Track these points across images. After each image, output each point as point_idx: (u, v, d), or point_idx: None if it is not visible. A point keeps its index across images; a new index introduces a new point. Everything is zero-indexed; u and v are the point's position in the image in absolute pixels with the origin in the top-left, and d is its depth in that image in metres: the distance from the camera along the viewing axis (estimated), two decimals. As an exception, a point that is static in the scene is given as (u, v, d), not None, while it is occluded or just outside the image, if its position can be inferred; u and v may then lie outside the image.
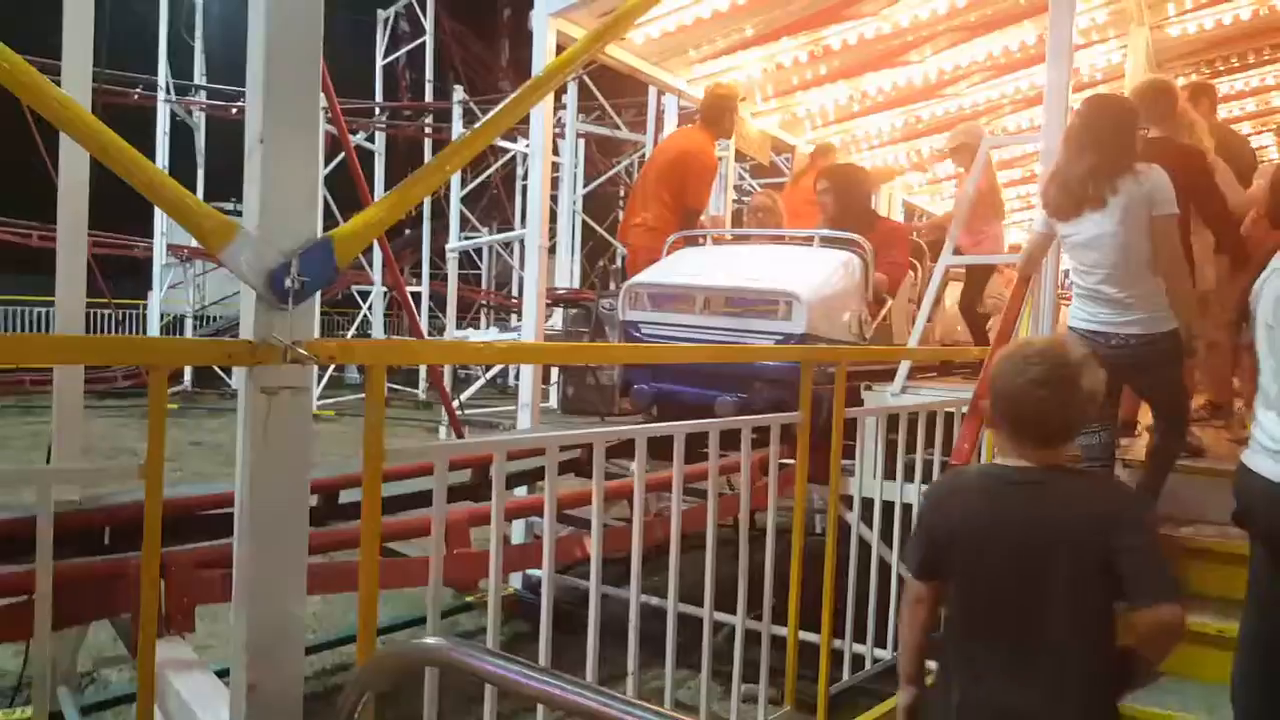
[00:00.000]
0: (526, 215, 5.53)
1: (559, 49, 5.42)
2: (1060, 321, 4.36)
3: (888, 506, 3.57)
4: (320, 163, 1.65)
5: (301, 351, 1.52)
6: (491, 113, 1.98)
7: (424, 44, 16.83)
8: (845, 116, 7.53)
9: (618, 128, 16.27)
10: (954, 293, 6.09)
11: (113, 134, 1.41)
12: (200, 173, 16.18)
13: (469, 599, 4.68)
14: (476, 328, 16.92)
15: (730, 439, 2.80)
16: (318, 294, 1.57)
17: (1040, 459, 1.80)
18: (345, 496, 3.25)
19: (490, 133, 2.01)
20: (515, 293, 17.78)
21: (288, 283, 1.52)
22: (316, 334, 1.58)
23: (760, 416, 2.78)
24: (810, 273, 4.32)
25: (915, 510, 2.14)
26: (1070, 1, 4.01)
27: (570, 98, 12.62)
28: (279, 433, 1.54)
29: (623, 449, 4.63)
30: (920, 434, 3.54)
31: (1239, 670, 2.49)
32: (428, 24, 16.68)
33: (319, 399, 13.36)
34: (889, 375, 4.20)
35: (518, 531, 4.12)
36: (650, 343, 4.49)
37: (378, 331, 15.60)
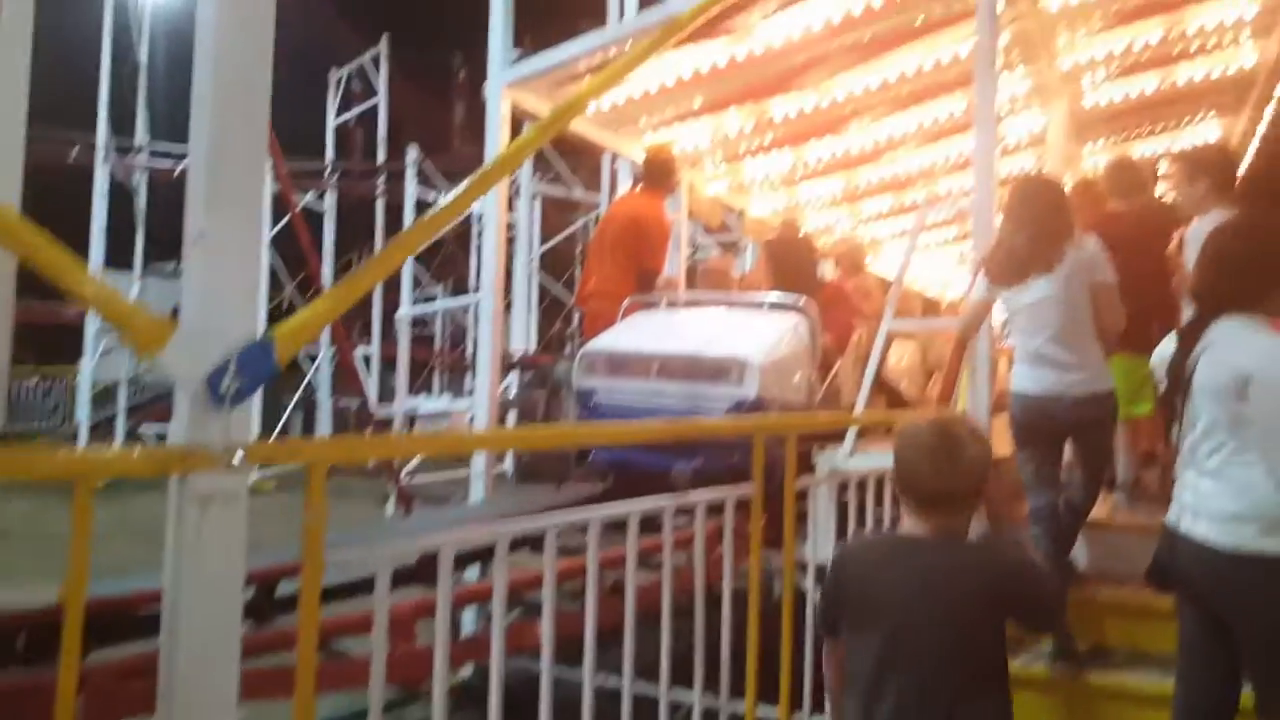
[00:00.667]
0: (481, 278, 5.51)
1: (514, 118, 5.50)
2: (1001, 375, 4.49)
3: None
4: (265, 256, 1.62)
5: (237, 459, 1.48)
6: (444, 200, 1.98)
7: (376, 104, 16.91)
8: (789, 182, 7.73)
9: (572, 188, 16.42)
10: (899, 350, 6.22)
11: (38, 236, 1.36)
12: (140, 235, 15.83)
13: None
14: (429, 391, 16.72)
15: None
16: (256, 394, 1.54)
17: (933, 526, 1.89)
18: (286, 582, 3.14)
19: (445, 219, 2.00)
20: (470, 351, 17.68)
21: (224, 385, 1.49)
22: (255, 435, 1.54)
23: (714, 490, 2.78)
24: (760, 338, 4.38)
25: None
26: (993, 76, 4.21)
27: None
28: (212, 545, 1.48)
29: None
30: (869, 497, 3.55)
31: None
32: (380, 85, 16.79)
33: (258, 470, 13.01)
34: (841, 436, 4.24)
35: (468, 619, 4.04)
36: (606, 409, 4.51)
37: (324, 397, 15.34)
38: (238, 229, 1.56)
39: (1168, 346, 2.61)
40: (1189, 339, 2.49)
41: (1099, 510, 3.81)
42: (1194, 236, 3.49)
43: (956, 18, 5.04)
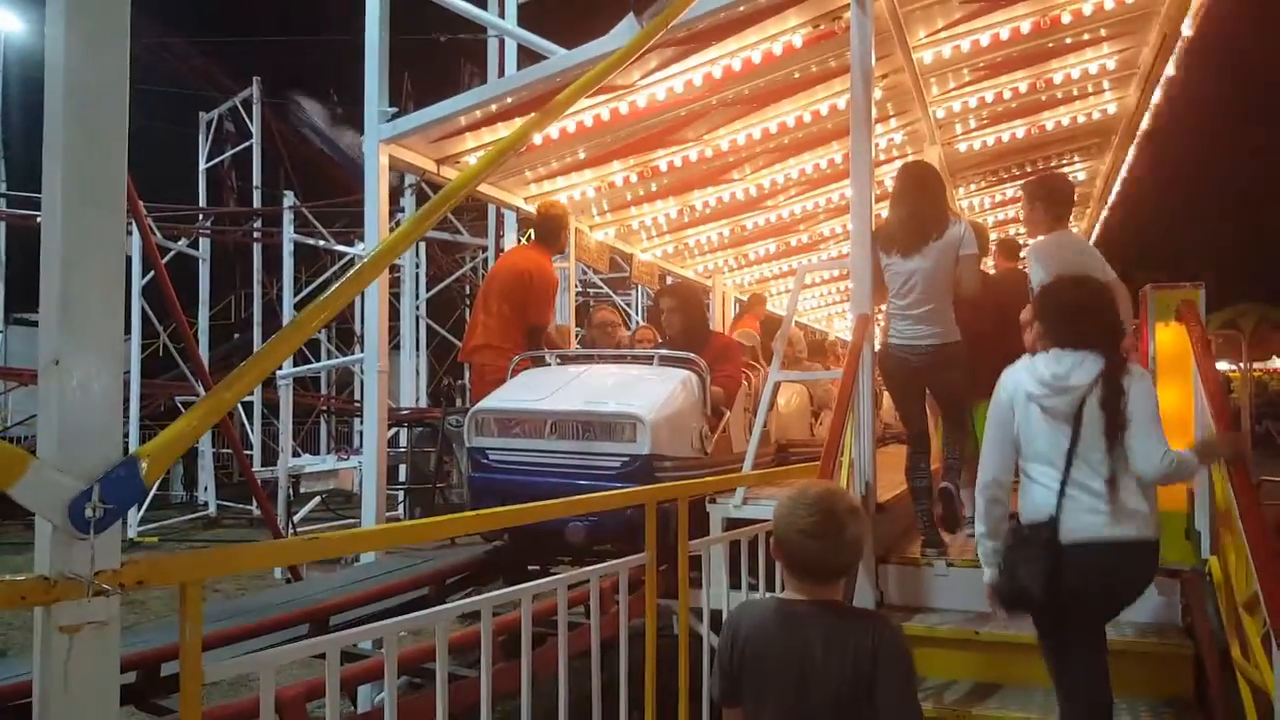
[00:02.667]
0: (365, 338, 5.38)
1: (392, 174, 5.43)
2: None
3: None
4: (120, 373, 1.53)
5: (105, 586, 1.41)
6: (322, 297, 1.94)
7: (250, 147, 16.37)
8: (676, 227, 7.87)
9: (459, 231, 16.27)
10: (786, 392, 6.39)
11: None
12: (-1, 284, 14.91)
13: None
14: (314, 439, 16.14)
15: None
16: (121, 519, 1.47)
17: (813, 594, 1.96)
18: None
19: (328, 311, 1.96)
20: (357, 396, 17.20)
21: (88, 511, 1.42)
22: (119, 561, 1.47)
23: (609, 564, 2.79)
24: (652, 393, 4.42)
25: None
26: (868, 130, 4.37)
27: (408, 203, 12.55)
28: (81, 675, 1.40)
29: (473, 576, 4.56)
30: (761, 548, 3.61)
31: None
32: (254, 127, 16.28)
33: (139, 524, 12.30)
34: (733, 487, 4.32)
35: (364, 696, 3.91)
36: (498, 467, 4.47)
37: (205, 446, 14.62)
38: (94, 353, 1.47)
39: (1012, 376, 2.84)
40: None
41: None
42: (1030, 252, 4.14)
43: (832, 73, 5.29)
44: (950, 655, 3.65)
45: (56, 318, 1.44)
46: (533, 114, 2.79)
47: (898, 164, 7.17)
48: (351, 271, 1.88)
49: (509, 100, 5.02)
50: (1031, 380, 2.74)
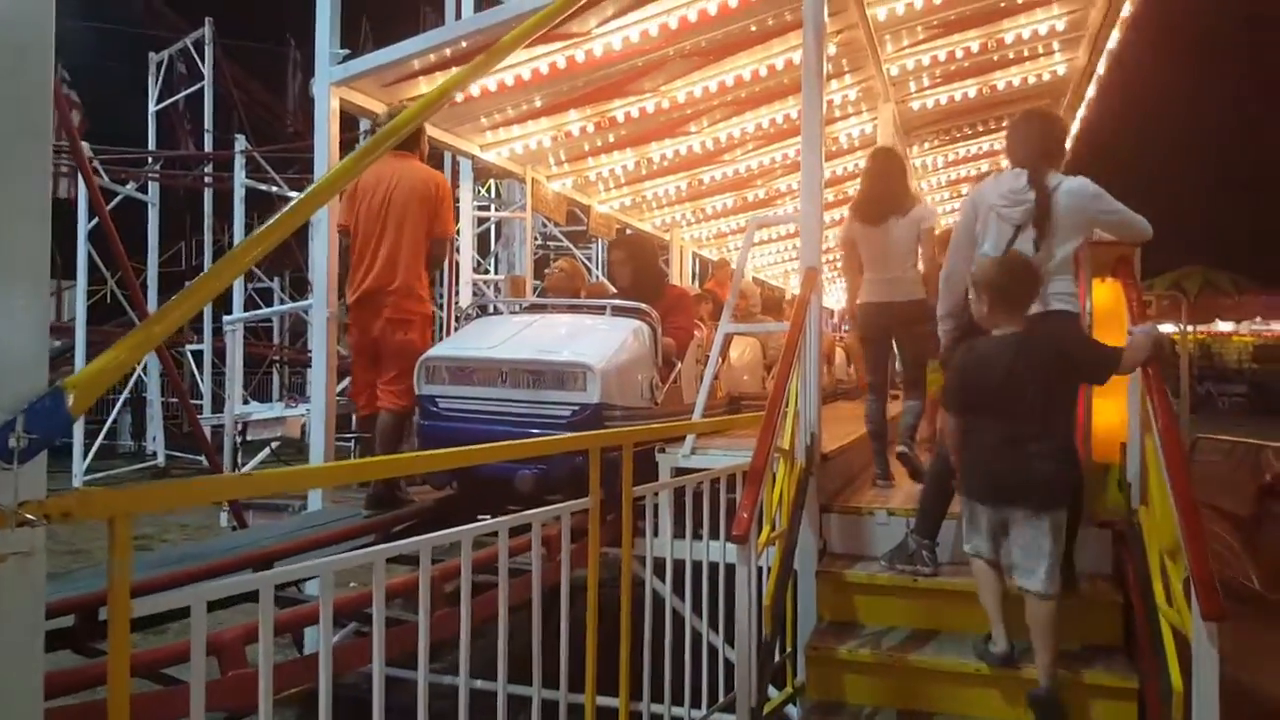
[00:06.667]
0: (314, 284, 5.29)
1: (342, 115, 5.31)
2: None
3: (695, 567, 3.65)
4: (47, 302, 1.51)
5: (29, 516, 1.40)
6: (257, 230, 1.91)
7: (203, 90, 15.88)
8: (634, 180, 7.84)
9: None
10: (739, 345, 6.44)
11: None
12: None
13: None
14: (266, 390, 15.93)
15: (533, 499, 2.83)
16: (45, 450, 1.46)
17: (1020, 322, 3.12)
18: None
19: (254, 250, 1.93)
20: (311, 347, 16.96)
21: (12, 441, 1.40)
22: (45, 492, 1.46)
23: (550, 509, 2.82)
24: (602, 343, 4.43)
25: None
26: (820, 86, 4.34)
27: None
28: (6, 605, 1.40)
29: (421, 525, 4.56)
30: (706, 499, 3.64)
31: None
32: (206, 69, 15.78)
33: (85, 474, 12.11)
34: (682, 436, 4.37)
35: (309, 637, 3.92)
36: (448, 415, 4.47)
37: (153, 395, 14.38)
38: (17, 283, 1.46)
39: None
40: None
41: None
42: None
43: (788, 27, 5.26)
44: (889, 602, 3.75)
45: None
46: (483, 54, 2.74)
47: (853, 120, 7.25)
48: (289, 205, 1.86)
49: (463, 45, 4.93)
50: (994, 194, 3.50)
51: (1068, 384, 3.20)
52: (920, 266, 4.55)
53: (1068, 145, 3.71)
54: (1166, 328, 13.88)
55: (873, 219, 4.54)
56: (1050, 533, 3.03)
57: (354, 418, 4.95)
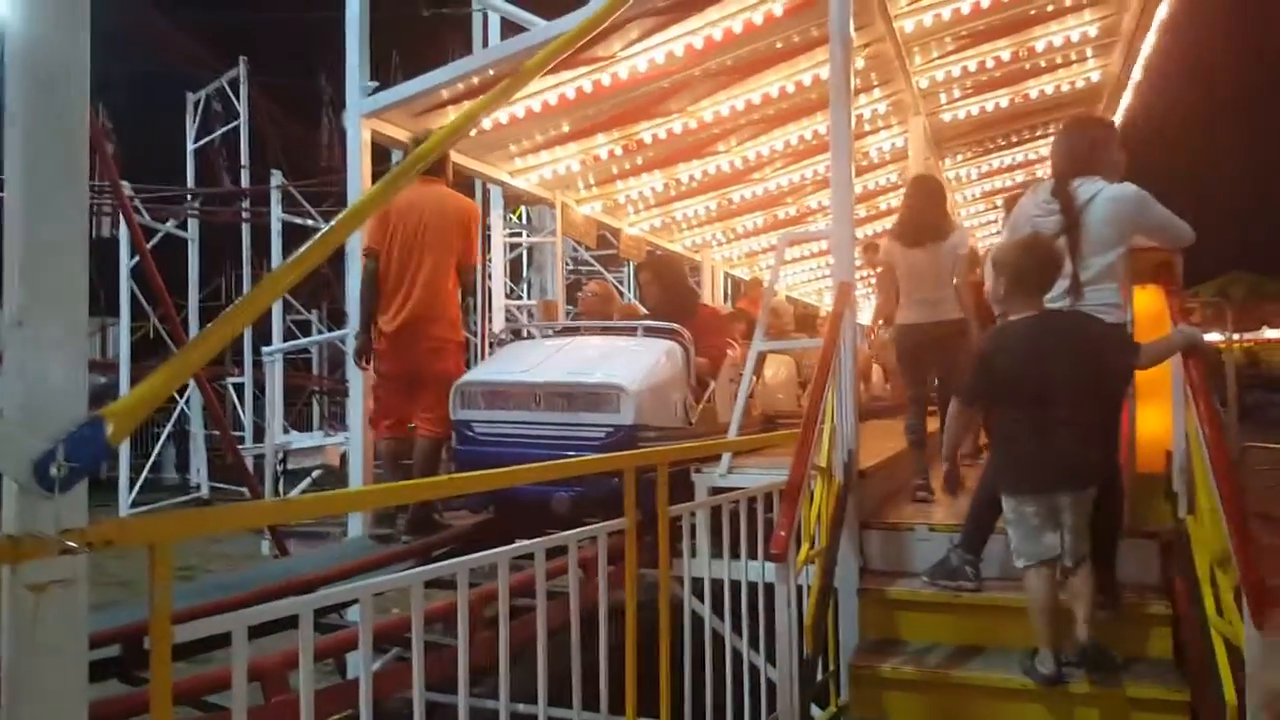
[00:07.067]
0: (349, 310, 5.33)
1: (374, 148, 5.39)
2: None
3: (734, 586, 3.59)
4: (86, 333, 1.55)
5: (71, 544, 1.41)
6: (289, 259, 1.94)
7: (238, 127, 16.23)
8: (663, 201, 7.86)
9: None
10: (773, 366, 6.40)
11: None
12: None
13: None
14: (307, 420, 16.11)
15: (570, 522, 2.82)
16: (86, 478, 1.47)
17: (1037, 306, 3.11)
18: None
19: (287, 277, 1.96)
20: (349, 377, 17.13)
21: (53, 470, 1.42)
22: (86, 520, 1.48)
23: (586, 529, 2.80)
24: (635, 364, 4.43)
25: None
26: (848, 101, 4.31)
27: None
28: (49, 633, 1.42)
29: (460, 549, 4.57)
30: (743, 517, 3.59)
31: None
32: (241, 107, 16.13)
33: (131, 506, 12.31)
34: (718, 455, 4.33)
35: (351, 662, 3.93)
36: (484, 440, 4.48)
37: (196, 428, 14.61)
38: (58, 312, 1.48)
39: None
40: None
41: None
42: None
43: (814, 42, 5.25)
44: (932, 619, 3.68)
45: (19, 280, 1.44)
46: (507, 80, 2.77)
47: (883, 134, 7.21)
48: (319, 234, 1.88)
49: (490, 72, 4.99)
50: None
51: (1094, 364, 3.12)
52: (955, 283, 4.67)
53: (1117, 150, 3.59)
54: (1211, 336, 13.58)
55: (912, 242, 4.70)
56: (1090, 506, 3.13)
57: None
